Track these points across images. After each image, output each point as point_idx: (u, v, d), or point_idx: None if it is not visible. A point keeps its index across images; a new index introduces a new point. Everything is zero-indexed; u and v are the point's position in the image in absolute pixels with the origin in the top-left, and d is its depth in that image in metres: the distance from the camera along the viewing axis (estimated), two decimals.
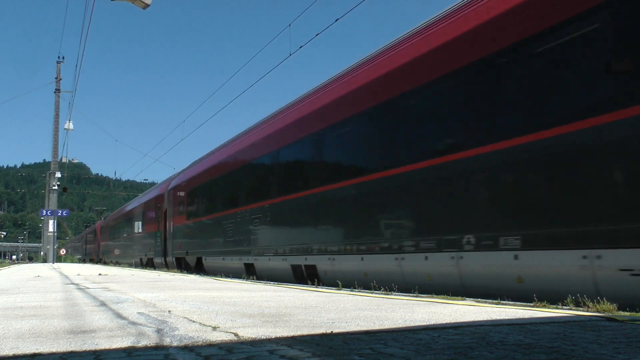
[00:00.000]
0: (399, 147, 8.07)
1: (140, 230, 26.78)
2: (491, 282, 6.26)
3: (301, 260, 10.44)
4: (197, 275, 13.87)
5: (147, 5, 9.76)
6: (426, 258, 7.13)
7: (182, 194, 19.28)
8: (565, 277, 5.44)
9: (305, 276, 10.23)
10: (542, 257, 5.65)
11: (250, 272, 12.91)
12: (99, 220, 59.79)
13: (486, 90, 6.63)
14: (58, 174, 42.11)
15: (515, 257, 5.90)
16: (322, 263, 9.68)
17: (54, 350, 2.52)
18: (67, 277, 12.66)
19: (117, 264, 32.45)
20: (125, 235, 32.06)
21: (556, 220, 5.57)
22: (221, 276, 12.31)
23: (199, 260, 16.99)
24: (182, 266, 18.94)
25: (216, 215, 15.51)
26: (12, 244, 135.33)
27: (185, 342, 2.72)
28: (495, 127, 6.44)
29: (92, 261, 49.71)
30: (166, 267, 20.84)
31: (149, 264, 24.20)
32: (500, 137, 6.25)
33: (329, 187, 9.62)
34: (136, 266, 25.97)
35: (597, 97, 5.35)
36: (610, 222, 5.07)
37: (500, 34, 6.46)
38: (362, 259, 8.53)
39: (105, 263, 38.73)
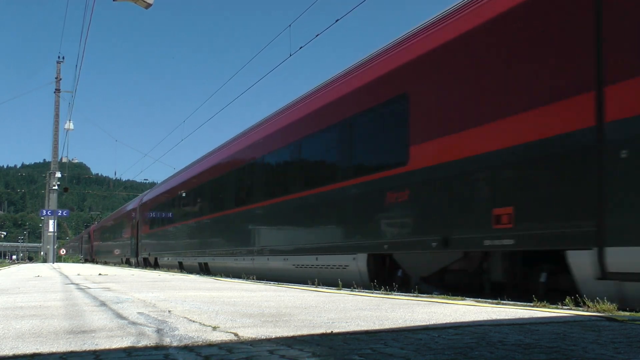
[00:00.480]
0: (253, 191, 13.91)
1: (121, 235, 34.23)
2: (267, 271, 12.20)
3: (202, 260, 17.17)
4: (197, 275, 13.91)
5: (150, 5, 9.77)
6: (252, 259, 13.06)
7: (147, 208, 26.16)
8: (284, 270, 11.29)
9: (204, 269, 16.84)
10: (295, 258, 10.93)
11: (180, 267, 19.80)
12: (94, 223, 66.81)
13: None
14: (58, 174, 42.10)
15: (285, 259, 11.46)
16: (210, 261, 16.39)
17: (54, 350, 2.52)
18: (67, 277, 12.66)
19: (105, 262, 39.63)
20: (111, 238, 39.53)
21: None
22: (180, 272, 16.37)
23: (156, 259, 24.00)
24: (147, 264, 25.86)
25: (166, 227, 22.31)
26: (12, 244, 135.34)
27: (185, 342, 2.72)
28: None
29: (87, 260, 54.53)
30: (137, 265, 27.68)
31: (127, 262, 31.01)
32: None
33: (219, 213, 15.75)
34: (119, 264, 32.27)
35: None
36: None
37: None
38: (235, 259, 14.18)
39: (96, 262, 45.88)
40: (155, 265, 23.15)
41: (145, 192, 29.10)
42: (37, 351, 2.48)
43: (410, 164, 7.53)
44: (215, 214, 15.92)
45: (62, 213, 42.97)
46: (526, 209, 5.77)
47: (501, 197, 6.07)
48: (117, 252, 34.79)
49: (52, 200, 41.68)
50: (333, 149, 9.87)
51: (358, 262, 8.71)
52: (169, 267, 20.62)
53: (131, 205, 30.98)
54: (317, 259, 9.91)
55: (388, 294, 6.27)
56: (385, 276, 8.36)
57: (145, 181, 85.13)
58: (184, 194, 19.63)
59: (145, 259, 25.44)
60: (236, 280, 11.06)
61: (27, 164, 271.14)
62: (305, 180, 10.97)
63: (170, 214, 21.30)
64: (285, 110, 12.50)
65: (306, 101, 11.30)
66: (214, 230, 16.16)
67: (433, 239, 7.05)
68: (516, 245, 5.87)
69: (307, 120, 10.84)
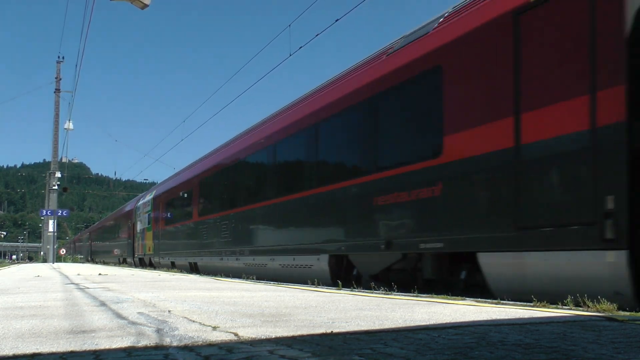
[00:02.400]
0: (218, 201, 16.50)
1: (119, 236, 35.14)
2: (248, 267, 13.14)
3: (193, 260, 18.30)
4: (197, 275, 13.91)
5: (146, 6, 9.77)
6: (237, 259, 14.04)
7: (142, 210, 27.17)
8: (268, 268, 12.11)
9: (194, 268, 18.08)
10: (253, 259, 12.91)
11: (173, 266, 20.94)
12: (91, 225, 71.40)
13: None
14: (58, 174, 42.11)
15: (237, 259, 13.98)
16: (200, 261, 17.56)
17: (54, 350, 2.52)
18: (67, 277, 12.66)
19: (104, 262, 40.39)
20: (109, 239, 40.28)
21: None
22: (180, 272, 16.55)
23: (150, 259, 24.75)
24: (142, 264, 26.84)
25: (160, 229, 23.17)
26: (12, 243, 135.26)
27: (185, 342, 2.72)
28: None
29: (86, 260, 55.83)
30: (134, 265, 28.62)
31: (124, 262, 32.23)
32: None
33: (205, 217, 17.14)
34: (117, 264, 33.23)
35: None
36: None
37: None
38: (221, 259, 15.44)
39: (95, 261, 46.88)
40: (150, 265, 24.61)
41: (141, 195, 30.75)
42: (37, 351, 2.48)
43: (362, 177, 8.77)
44: (202, 218, 17.29)
45: (62, 213, 43.00)
46: (451, 218, 6.79)
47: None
48: (115, 252, 36.19)
49: (52, 200, 41.68)
50: (302, 160, 11.19)
51: (321, 262, 9.69)
52: (162, 266, 22.15)
53: (128, 207, 32.14)
54: (294, 259, 10.82)
55: (388, 294, 6.27)
56: (343, 275, 9.22)
57: (145, 181, 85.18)
58: (175, 199, 20.79)
59: (140, 259, 26.88)
60: (236, 280, 11.06)
61: (27, 164, 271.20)
62: (282, 187, 11.82)
63: (162, 217, 22.47)
64: (262, 124, 14.15)
65: (280, 116, 12.75)
66: (202, 233, 17.21)
67: (380, 242, 8.03)
68: (444, 248, 6.91)
69: (279, 133, 12.12)
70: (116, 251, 35.70)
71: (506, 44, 6.30)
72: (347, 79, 9.82)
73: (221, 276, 13.00)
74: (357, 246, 8.76)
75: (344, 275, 9.19)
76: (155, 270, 20.18)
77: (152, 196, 24.82)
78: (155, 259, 23.39)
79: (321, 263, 9.70)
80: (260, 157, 13.06)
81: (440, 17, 7.92)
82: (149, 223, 24.89)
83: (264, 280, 11.00)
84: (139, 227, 27.34)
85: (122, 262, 32.59)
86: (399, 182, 7.76)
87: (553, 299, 5.03)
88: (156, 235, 23.31)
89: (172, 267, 20.42)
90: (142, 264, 26.30)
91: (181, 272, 17.16)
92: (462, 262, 6.89)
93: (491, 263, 6.26)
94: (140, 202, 27.66)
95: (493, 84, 6.42)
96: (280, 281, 10.14)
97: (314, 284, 8.48)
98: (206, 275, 14.35)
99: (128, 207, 31.98)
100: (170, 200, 21.40)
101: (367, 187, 8.47)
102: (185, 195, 19.39)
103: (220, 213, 15.37)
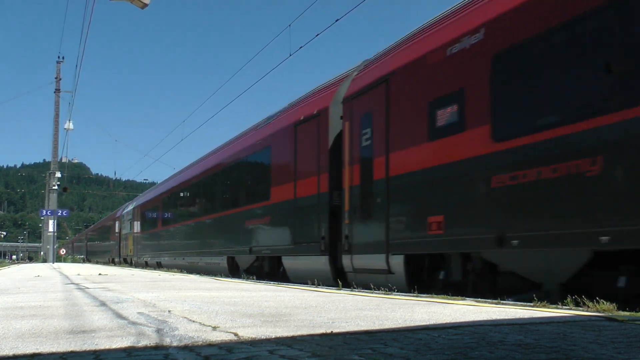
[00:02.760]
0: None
1: (108, 238, 40.37)
2: (182, 265, 19.49)
3: (158, 259, 23.65)
4: (197, 275, 13.92)
5: (146, 5, 9.76)
6: (183, 258, 19.78)
7: (125, 217, 32.28)
8: (199, 265, 17.59)
9: (160, 265, 22.97)
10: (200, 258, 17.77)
11: (146, 264, 26.12)
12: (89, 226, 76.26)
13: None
14: (58, 174, 42.12)
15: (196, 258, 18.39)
16: (162, 260, 22.87)
17: (54, 350, 2.52)
18: (67, 277, 12.67)
19: (96, 262, 45.46)
20: (101, 241, 46.31)
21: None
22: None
23: (131, 259, 29.19)
24: (125, 262, 30.78)
25: (137, 234, 28.51)
26: (12, 244, 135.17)
27: (185, 342, 2.72)
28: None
29: (82, 260, 59.57)
30: (120, 263, 32.51)
31: (113, 262, 36.51)
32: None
33: (163, 228, 23.33)
34: (107, 263, 37.22)
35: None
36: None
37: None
38: (174, 259, 20.90)
39: (90, 261, 51.60)
40: (131, 263, 29.97)
41: (126, 204, 36.78)
42: (37, 351, 2.48)
43: (236, 209, 14.71)
44: (163, 228, 23.74)
45: (62, 213, 43.02)
46: (273, 237, 12.04)
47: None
48: (106, 252, 41.95)
49: (52, 200, 41.69)
50: (208, 196, 18.08)
51: (223, 261, 15.44)
52: (139, 265, 27.80)
53: (117, 213, 37.65)
54: (211, 259, 16.56)
55: (388, 294, 6.27)
56: (234, 269, 14.55)
57: (145, 181, 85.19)
58: (147, 211, 27.06)
59: (124, 259, 32.48)
60: (236, 280, 11.07)
61: (27, 164, 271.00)
62: (201, 210, 18.45)
63: (139, 225, 28.51)
64: (191, 166, 21.92)
65: (195, 167, 20.73)
66: (163, 239, 23.50)
67: (247, 249, 13.41)
68: (271, 253, 12.25)
69: (194, 179, 19.57)
70: (107, 252, 41.11)
71: (292, 141, 11.28)
72: (224, 148, 17.28)
73: (177, 270, 18.24)
74: (238, 251, 14.27)
75: (235, 269, 14.55)
76: (156, 270, 20.86)
77: (132, 207, 30.80)
78: (134, 259, 29.25)
79: (223, 261, 15.42)
80: (188, 190, 20.37)
81: (271, 116, 13.68)
82: (130, 229, 30.73)
83: (196, 272, 16.07)
84: (123, 232, 33.14)
85: (111, 261, 37.95)
86: (251, 214, 13.29)
87: (311, 281, 8.68)
88: (134, 239, 29.21)
89: (146, 265, 26.35)
90: (125, 262, 31.94)
91: (181, 272, 17.22)
92: (279, 262, 11.87)
93: (287, 262, 11.33)
94: (125, 211, 33.39)
95: (289, 162, 11.38)
96: (204, 272, 15.41)
97: (314, 284, 8.50)
98: (169, 269, 19.75)
99: (117, 213, 37.53)
100: (144, 211, 27.43)
101: (239, 215, 14.13)
102: (154, 208, 25.46)
103: (171, 225, 22.31)
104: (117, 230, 35.08)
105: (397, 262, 7.87)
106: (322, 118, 10.24)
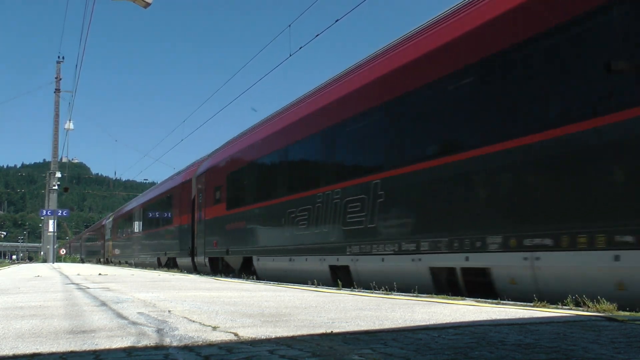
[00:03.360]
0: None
1: (97, 242, 48.42)
2: (141, 263, 27.27)
3: (125, 259, 32.32)
4: (197, 275, 13.91)
5: (148, 4, 9.75)
6: (137, 258, 28.78)
7: (107, 226, 41.44)
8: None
9: (130, 264, 29.91)
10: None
11: (120, 263, 34.02)
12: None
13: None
14: (58, 174, 42.14)
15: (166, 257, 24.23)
16: (129, 259, 31.51)
17: (54, 350, 2.52)
18: (67, 277, 12.67)
19: (88, 261, 52.78)
20: (93, 242, 52.53)
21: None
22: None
23: (111, 259, 31.89)
24: (110, 262, 33.30)
25: (113, 240, 38.99)
26: (12, 244, 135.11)
27: (185, 342, 2.72)
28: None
29: (80, 260, 62.31)
30: (105, 263, 35.65)
31: (99, 262, 43.45)
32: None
33: (130, 235, 32.13)
34: (96, 263, 44.37)
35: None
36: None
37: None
38: (137, 258, 28.34)
39: (83, 261, 55.94)
40: (111, 263, 36.31)
41: (110, 214, 45.72)
42: (37, 351, 2.48)
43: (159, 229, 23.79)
44: (129, 236, 31.51)
45: (62, 213, 43.03)
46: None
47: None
48: (96, 253, 48.54)
49: (52, 200, 41.70)
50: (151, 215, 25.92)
51: (155, 260, 23.97)
52: (116, 264, 34.07)
53: (104, 222, 44.63)
54: (146, 258, 25.70)
55: (388, 294, 6.27)
56: (193, 265, 18.40)
57: (145, 181, 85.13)
58: (120, 222, 34.68)
59: (107, 259, 39.55)
60: (236, 280, 11.06)
61: (27, 164, 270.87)
62: (144, 225, 26.93)
63: (115, 232, 35.98)
64: (147, 193, 31.51)
65: (141, 198, 31.40)
66: (128, 244, 31.56)
67: (164, 252, 22.32)
68: (173, 256, 21.29)
69: (144, 204, 28.59)
70: (96, 253, 48.34)
71: (179, 192, 20.22)
72: (149, 191, 28.34)
73: (136, 267, 24.43)
74: (160, 254, 22.99)
75: (195, 266, 18.21)
76: (156, 270, 20.85)
77: (112, 217, 39.04)
78: (113, 260, 36.10)
79: (155, 260, 24.23)
80: (141, 212, 27.51)
81: (174, 174, 23.84)
82: (110, 235, 38.65)
83: (141, 267, 22.09)
84: (106, 237, 40.80)
85: (98, 261, 44.49)
86: (165, 231, 22.04)
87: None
88: (114, 244, 36.87)
89: (119, 264, 32.27)
90: (108, 262, 38.52)
91: (181, 272, 17.25)
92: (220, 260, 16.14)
93: (178, 261, 19.87)
94: (108, 220, 41.56)
95: (186, 204, 18.99)
96: (148, 267, 21.00)
97: (314, 284, 8.50)
98: (141, 267, 24.38)
99: (103, 221, 44.86)
100: (119, 222, 34.90)
101: (161, 232, 23.14)
102: (126, 220, 32.45)
103: (132, 235, 29.94)
104: (102, 235, 43.28)
105: (207, 260, 16.54)
106: (189, 184, 18.55)
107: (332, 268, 9.49)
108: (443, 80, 7.11)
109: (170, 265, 21.49)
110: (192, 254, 17.95)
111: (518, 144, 5.89)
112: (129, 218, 31.49)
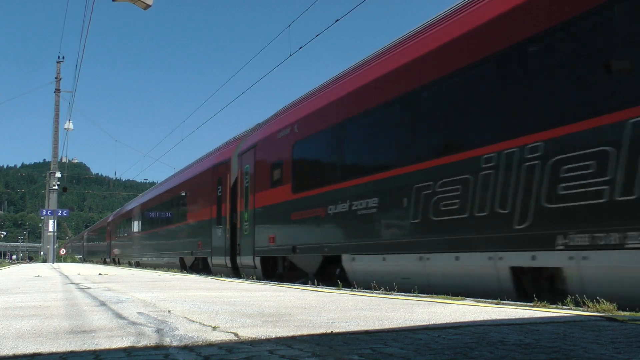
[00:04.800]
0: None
1: (102, 241, 45.58)
2: (142, 263, 26.75)
3: (124, 259, 33.41)
4: (197, 275, 13.87)
5: (149, 6, 9.74)
6: (150, 258, 25.70)
7: (110, 225, 41.16)
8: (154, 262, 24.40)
9: (130, 263, 30.54)
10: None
11: (119, 262, 36.21)
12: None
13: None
14: (58, 174, 42.11)
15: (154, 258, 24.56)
16: (125, 259, 32.65)
17: (54, 350, 2.52)
18: (67, 277, 12.66)
19: (91, 261, 51.80)
20: (97, 242, 51.24)
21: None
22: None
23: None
24: (114, 262, 30.56)
25: (116, 239, 39.01)
26: (12, 244, 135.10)
27: (185, 342, 2.72)
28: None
29: (80, 260, 61.30)
30: (109, 263, 33.66)
31: (104, 262, 42.28)
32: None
33: (126, 236, 33.58)
34: (99, 263, 44.14)
35: None
36: None
37: None
38: (150, 258, 25.73)
39: (85, 261, 55.00)
40: (117, 263, 35.29)
41: (109, 215, 45.60)
42: (37, 351, 2.48)
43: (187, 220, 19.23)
44: (124, 237, 33.10)
45: (62, 213, 43.01)
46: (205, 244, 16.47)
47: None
48: (101, 252, 46.71)
49: (52, 200, 41.69)
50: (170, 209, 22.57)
51: (177, 260, 20.61)
52: (114, 263, 36.11)
53: (110, 218, 42.88)
54: (163, 258, 22.29)
55: (388, 294, 6.27)
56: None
57: (145, 181, 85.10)
58: (120, 223, 35.15)
59: (113, 259, 38.12)
60: (236, 280, 11.06)
61: (27, 164, 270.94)
62: (160, 222, 23.79)
63: (132, 229, 32.97)
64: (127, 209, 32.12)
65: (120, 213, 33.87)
66: (127, 244, 32.18)
67: (190, 252, 18.44)
68: (202, 255, 17.46)
69: (120, 217, 33.76)
70: (100, 253, 46.43)
71: (227, 173, 15.03)
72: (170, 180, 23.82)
73: (134, 265, 25.73)
74: (185, 253, 19.54)
75: (184, 268, 19.15)
76: (156, 270, 20.77)
77: (120, 213, 36.95)
78: (122, 260, 34.25)
79: (177, 260, 20.93)
80: (160, 205, 23.62)
81: (200, 158, 19.68)
82: (118, 233, 36.57)
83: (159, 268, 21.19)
84: (113, 235, 38.57)
85: (104, 261, 41.81)
86: (196, 227, 17.67)
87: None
88: (123, 243, 34.89)
89: (130, 265, 30.40)
90: (116, 262, 36.81)
91: (181, 271, 17.21)
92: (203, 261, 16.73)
93: (213, 261, 15.61)
94: (115, 217, 39.88)
95: (223, 191, 15.21)
96: (166, 268, 20.04)
97: (313, 284, 8.49)
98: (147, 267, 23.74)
99: (110, 218, 42.42)
100: (130, 218, 32.17)
101: (187, 226, 19.07)
102: (140, 214, 29.19)
103: (146, 232, 26.56)
104: (109, 233, 41.35)
105: (258, 261, 12.59)
106: (227, 165, 14.88)
107: (516, 271, 6.09)
108: None
109: (199, 267, 17.21)
110: (233, 253, 14.00)
111: None
112: (142, 212, 27.10)
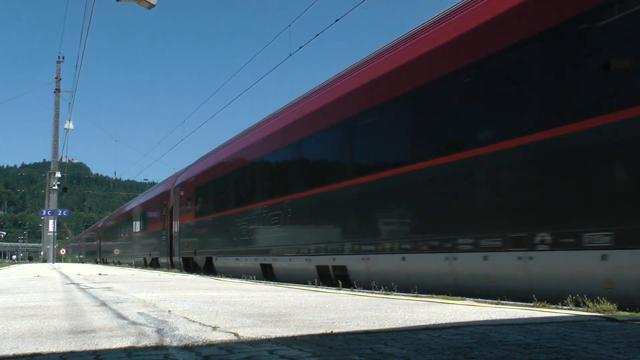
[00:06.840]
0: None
1: (93, 241, 52.34)
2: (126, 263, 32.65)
3: (111, 259, 39.19)
4: (198, 275, 13.90)
5: (153, 6, 9.71)
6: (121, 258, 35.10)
7: (104, 229, 45.65)
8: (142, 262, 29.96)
9: (115, 262, 36.37)
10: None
11: (106, 262, 40.69)
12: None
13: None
14: (58, 174, 42.11)
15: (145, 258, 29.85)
16: (113, 260, 38.11)
17: (54, 350, 2.52)
18: (67, 277, 12.67)
19: (82, 260, 57.90)
20: (89, 243, 57.94)
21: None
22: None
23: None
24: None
25: (107, 242, 43.26)
26: (12, 244, 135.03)
27: (185, 342, 2.72)
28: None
29: (79, 260, 65.29)
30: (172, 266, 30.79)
31: (96, 261, 46.39)
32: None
33: (110, 241, 41.54)
34: (93, 262, 48.52)
35: None
36: None
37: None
38: (119, 258, 35.61)
39: (82, 261, 57.87)
40: (105, 262, 40.68)
41: (97, 222, 52.42)
42: (37, 351, 2.48)
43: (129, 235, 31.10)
44: (109, 242, 39.30)
45: (62, 213, 43.00)
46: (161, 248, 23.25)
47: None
48: (94, 254, 52.10)
49: (52, 200, 41.68)
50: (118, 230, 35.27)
51: (141, 260, 27.38)
52: (105, 262, 40.91)
53: (100, 224, 50.25)
54: (135, 258, 28.94)
55: (388, 294, 6.27)
56: (171, 264, 21.06)
57: (145, 181, 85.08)
58: (108, 229, 41.35)
59: (102, 259, 44.07)
60: (236, 280, 11.06)
61: (27, 164, 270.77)
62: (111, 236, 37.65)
63: (114, 234, 39.02)
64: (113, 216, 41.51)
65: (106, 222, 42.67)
66: (109, 247, 38.99)
67: (149, 254, 25.82)
68: (155, 256, 25.30)
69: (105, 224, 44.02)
70: (93, 253, 51.64)
71: (169, 199, 21.79)
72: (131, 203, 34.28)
73: (130, 266, 26.93)
74: (147, 254, 26.03)
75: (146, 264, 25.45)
76: (156, 270, 21.03)
77: (106, 221, 45.22)
78: (108, 259, 39.87)
79: (141, 260, 26.83)
80: (131, 216, 30.32)
81: (158, 184, 28.82)
82: (105, 237, 43.17)
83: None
84: (101, 238, 44.95)
85: (95, 261, 47.27)
86: (153, 235, 24.19)
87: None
88: (108, 244, 41.33)
89: (113, 263, 35.40)
90: (104, 262, 42.38)
91: (181, 272, 17.27)
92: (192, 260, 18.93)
93: (159, 260, 23.19)
94: (103, 223, 47.12)
95: (166, 211, 21.96)
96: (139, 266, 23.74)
97: (313, 284, 8.51)
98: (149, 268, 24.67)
99: (100, 224, 50.03)
100: (112, 225, 39.55)
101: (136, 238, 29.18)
102: (119, 223, 35.95)
103: (124, 237, 33.28)
104: (97, 236, 48.22)
105: (181, 260, 19.43)
106: (169, 194, 21.26)
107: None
108: None
109: (155, 264, 24.13)
110: (170, 255, 20.98)
111: None
112: (120, 221, 35.56)
